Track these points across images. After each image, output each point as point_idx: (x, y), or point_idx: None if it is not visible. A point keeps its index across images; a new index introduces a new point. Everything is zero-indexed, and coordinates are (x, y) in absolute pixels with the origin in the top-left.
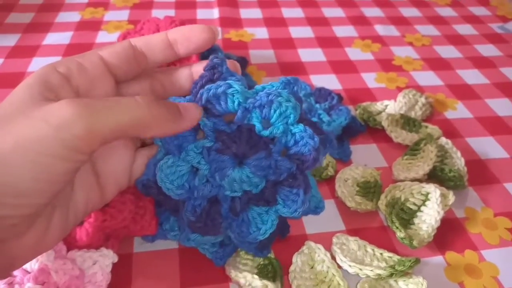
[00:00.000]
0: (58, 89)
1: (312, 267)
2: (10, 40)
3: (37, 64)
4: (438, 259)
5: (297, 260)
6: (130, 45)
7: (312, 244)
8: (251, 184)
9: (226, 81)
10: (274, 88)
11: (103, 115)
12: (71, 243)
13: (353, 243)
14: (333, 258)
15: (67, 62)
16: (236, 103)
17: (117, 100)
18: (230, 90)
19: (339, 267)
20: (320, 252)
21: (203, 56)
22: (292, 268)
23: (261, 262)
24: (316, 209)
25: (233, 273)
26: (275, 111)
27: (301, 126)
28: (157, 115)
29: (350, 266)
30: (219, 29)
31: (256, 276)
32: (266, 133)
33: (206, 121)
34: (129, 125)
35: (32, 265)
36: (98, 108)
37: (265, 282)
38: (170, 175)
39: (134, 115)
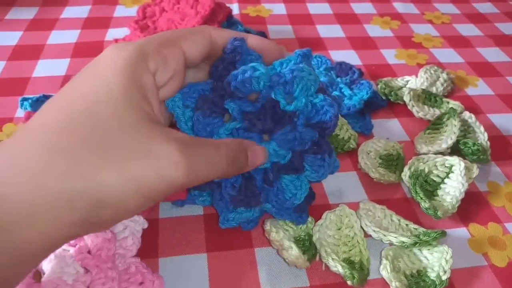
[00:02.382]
0: (150, 95)
1: (339, 229)
2: (29, 13)
3: (56, 36)
4: (462, 230)
5: (327, 217)
6: (210, 37)
7: (346, 208)
8: (278, 156)
9: (251, 65)
10: (292, 62)
11: (200, 170)
12: None
13: (380, 211)
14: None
15: (155, 56)
16: (261, 84)
17: (211, 156)
18: (256, 74)
19: (365, 236)
20: (351, 218)
21: (223, 27)
22: (319, 222)
23: (301, 235)
24: (335, 168)
25: (273, 232)
26: (297, 85)
27: (320, 96)
28: (232, 172)
29: (374, 231)
30: (237, 5)
31: (294, 245)
32: (290, 107)
33: (232, 104)
34: (214, 177)
35: None
36: (199, 163)
37: (300, 253)
38: None
39: (218, 172)
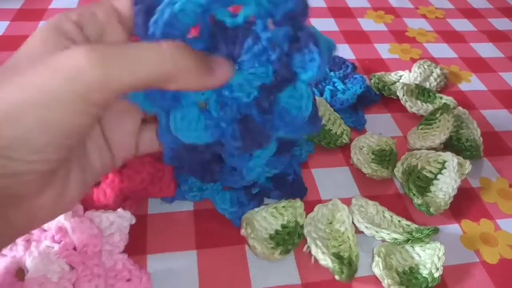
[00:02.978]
0: (73, 37)
1: (330, 223)
2: (16, 3)
3: None
4: (454, 227)
5: (319, 210)
6: None
7: (339, 203)
8: (258, 76)
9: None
10: None
11: (119, 65)
12: (88, 204)
13: (372, 207)
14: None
15: (79, 10)
16: (191, 15)
17: (137, 47)
18: (177, 7)
19: (357, 232)
20: (343, 213)
21: None
22: (311, 214)
23: (290, 222)
24: (330, 51)
25: (243, 229)
26: (281, 7)
27: (307, 30)
28: (183, 68)
29: (366, 227)
30: None
31: (256, 243)
32: (239, 19)
33: None
34: (149, 77)
35: (49, 223)
36: (114, 56)
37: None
38: (189, 126)
39: (155, 67)
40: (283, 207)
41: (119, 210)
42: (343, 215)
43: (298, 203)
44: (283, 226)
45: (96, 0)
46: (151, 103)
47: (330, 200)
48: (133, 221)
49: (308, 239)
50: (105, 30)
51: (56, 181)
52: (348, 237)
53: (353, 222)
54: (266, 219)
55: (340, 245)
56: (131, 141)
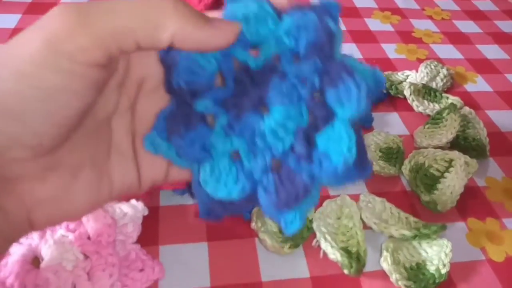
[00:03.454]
0: None
1: (338, 218)
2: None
3: None
4: (460, 225)
5: (328, 205)
6: None
7: (347, 198)
8: (291, 117)
9: (257, 1)
10: (227, 12)
11: (98, 10)
12: None
13: (380, 203)
14: None
15: None
16: (211, 60)
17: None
18: (195, 54)
19: (364, 228)
20: (352, 208)
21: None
22: (320, 209)
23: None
24: (377, 83)
25: (253, 222)
26: (247, 30)
27: (286, 19)
28: (180, 13)
29: (375, 223)
30: None
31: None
32: (261, 59)
33: (202, 102)
34: (136, 24)
35: None
36: (93, 5)
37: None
38: (218, 180)
39: (146, 11)
40: None
41: (132, 201)
42: (351, 211)
43: None
44: None
45: None
46: (182, 156)
47: (339, 196)
48: (146, 212)
49: (318, 234)
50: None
51: (59, 172)
52: (356, 232)
53: (361, 218)
54: None
55: (348, 240)
56: (162, 163)
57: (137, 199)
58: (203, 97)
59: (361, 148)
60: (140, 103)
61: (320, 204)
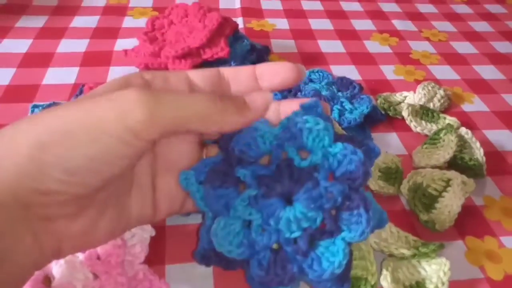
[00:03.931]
0: None
1: None
2: (39, 22)
3: (65, 45)
4: (458, 243)
5: None
6: (218, 72)
7: None
8: (308, 219)
9: (254, 125)
10: (298, 116)
11: (166, 103)
12: None
13: None
14: None
15: (154, 72)
16: (267, 143)
17: (183, 92)
18: (259, 133)
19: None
20: None
21: (230, 41)
22: None
23: None
24: (381, 223)
25: None
26: (307, 138)
27: (339, 144)
28: (222, 108)
29: (375, 242)
30: (242, 19)
31: None
32: (305, 163)
33: (243, 171)
34: (192, 115)
35: None
36: (163, 97)
37: None
38: (226, 237)
39: (198, 107)
40: None
41: None
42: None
43: None
44: None
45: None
46: (205, 203)
47: None
48: (153, 233)
49: None
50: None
51: (89, 212)
52: (364, 255)
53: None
54: None
55: (355, 259)
56: (179, 196)
57: None
58: (246, 168)
59: (347, 267)
60: (161, 146)
61: None
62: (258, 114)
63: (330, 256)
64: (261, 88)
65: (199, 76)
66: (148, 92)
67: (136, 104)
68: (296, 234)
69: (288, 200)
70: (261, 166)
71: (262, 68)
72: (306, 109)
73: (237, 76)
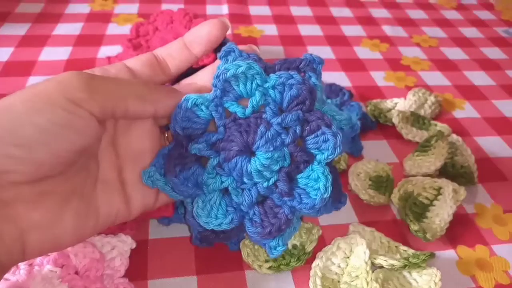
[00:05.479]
0: None
1: (347, 257)
2: (21, 30)
3: (47, 53)
4: (450, 252)
5: (335, 244)
6: (153, 54)
7: (358, 237)
8: (275, 160)
9: (183, 98)
10: (222, 68)
11: (102, 78)
12: None
13: (369, 233)
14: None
15: (93, 69)
16: (204, 110)
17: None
18: (190, 103)
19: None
20: (361, 248)
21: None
22: (326, 248)
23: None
24: (353, 128)
25: (245, 254)
26: (238, 86)
27: (273, 76)
28: (154, 88)
29: (364, 253)
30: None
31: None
32: (249, 110)
33: (196, 145)
34: (127, 93)
35: None
36: (100, 75)
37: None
38: (209, 213)
39: (132, 86)
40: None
41: (120, 234)
42: (360, 250)
43: (315, 229)
44: (293, 247)
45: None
46: (177, 192)
47: (328, 225)
48: (134, 245)
49: (313, 271)
50: None
51: (50, 200)
52: (362, 273)
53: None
54: None
55: (352, 281)
56: (153, 191)
57: (125, 233)
58: (198, 141)
59: (336, 185)
60: (120, 138)
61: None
62: (174, 99)
63: (313, 183)
64: (196, 56)
65: (137, 63)
66: (86, 71)
67: (73, 77)
68: (273, 179)
69: (251, 152)
70: (210, 133)
71: (189, 37)
72: (224, 57)
73: (170, 53)
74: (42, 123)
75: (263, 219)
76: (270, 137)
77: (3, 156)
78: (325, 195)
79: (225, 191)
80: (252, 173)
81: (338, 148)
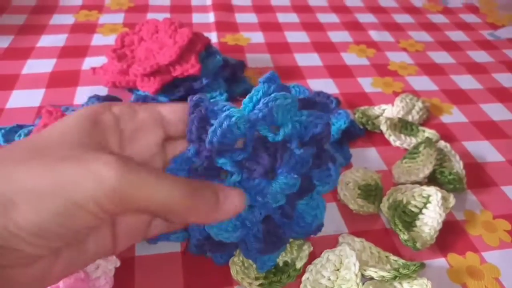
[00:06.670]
0: (107, 129)
1: (337, 270)
2: (4, 42)
3: (31, 66)
4: (441, 261)
5: (325, 256)
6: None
7: (348, 249)
8: (290, 187)
9: (224, 114)
10: (261, 92)
11: (138, 187)
12: None
13: (359, 244)
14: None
15: (123, 105)
16: (242, 128)
17: (160, 176)
18: (233, 120)
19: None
20: (351, 260)
21: (201, 57)
22: (316, 261)
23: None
24: (346, 162)
25: (234, 272)
26: (277, 114)
27: (304, 112)
28: (191, 206)
29: (354, 265)
30: (216, 33)
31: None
32: (279, 137)
33: (223, 160)
34: (159, 207)
35: None
36: (137, 177)
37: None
38: (221, 226)
39: (168, 200)
40: (289, 243)
41: None
42: (350, 262)
43: (306, 245)
44: (284, 263)
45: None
46: None
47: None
48: (118, 264)
49: (302, 286)
50: (141, 128)
51: (43, 259)
52: (352, 285)
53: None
54: None
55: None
56: (142, 230)
57: None
58: (224, 156)
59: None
60: None
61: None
62: (225, 218)
63: (311, 210)
64: None
65: (171, 110)
66: (123, 167)
67: (109, 180)
68: (281, 202)
69: (270, 174)
70: (238, 150)
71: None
72: (266, 83)
73: None
74: (66, 222)
75: (265, 236)
76: (293, 165)
77: (19, 239)
78: (319, 221)
79: None
80: (269, 194)
81: (336, 182)
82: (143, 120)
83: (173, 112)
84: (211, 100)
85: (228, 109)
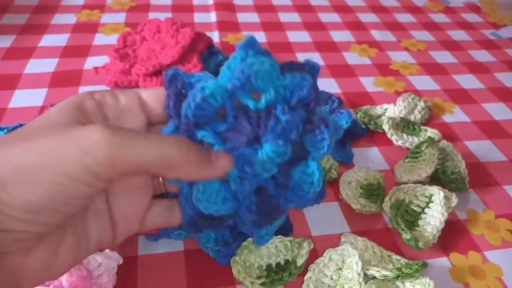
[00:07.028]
0: (91, 115)
1: (339, 269)
2: (6, 41)
3: (33, 65)
4: (443, 260)
5: (327, 255)
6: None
7: (350, 248)
8: (279, 154)
9: (199, 86)
10: (239, 59)
11: (129, 146)
12: None
13: (361, 243)
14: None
15: (104, 91)
16: (219, 99)
17: (149, 135)
18: (207, 92)
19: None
20: (353, 259)
21: (203, 57)
22: (318, 260)
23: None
24: (337, 132)
25: (236, 272)
26: (257, 80)
27: (288, 76)
28: (186, 159)
29: (357, 264)
30: (218, 33)
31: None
32: (261, 105)
33: (203, 132)
34: (154, 161)
35: None
36: (126, 137)
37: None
38: (209, 198)
39: (161, 153)
40: (290, 241)
41: (106, 250)
42: (353, 261)
43: (306, 242)
44: (286, 262)
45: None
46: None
47: (319, 236)
48: (121, 261)
49: (304, 285)
50: (125, 113)
51: (47, 243)
52: (354, 284)
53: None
54: (268, 249)
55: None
56: (138, 218)
57: (111, 249)
58: (205, 128)
59: (323, 182)
60: None
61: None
62: (218, 174)
63: (307, 178)
64: None
65: (151, 94)
66: (110, 131)
67: (98, 146)
68: (273, 171)
69: (254, 143)
70: (219, 122)
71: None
72: (243, 48)
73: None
74: (58, 196)
75: (258, 208)
76: (278, 132)
77: (11, 219)
78: (317, 188)
79: (224, 179)
80: (257, 164)
81: (331, 147)
82: (126, 105)
83: (153, 96)
84: (186, 73)
85: (205, 80)
